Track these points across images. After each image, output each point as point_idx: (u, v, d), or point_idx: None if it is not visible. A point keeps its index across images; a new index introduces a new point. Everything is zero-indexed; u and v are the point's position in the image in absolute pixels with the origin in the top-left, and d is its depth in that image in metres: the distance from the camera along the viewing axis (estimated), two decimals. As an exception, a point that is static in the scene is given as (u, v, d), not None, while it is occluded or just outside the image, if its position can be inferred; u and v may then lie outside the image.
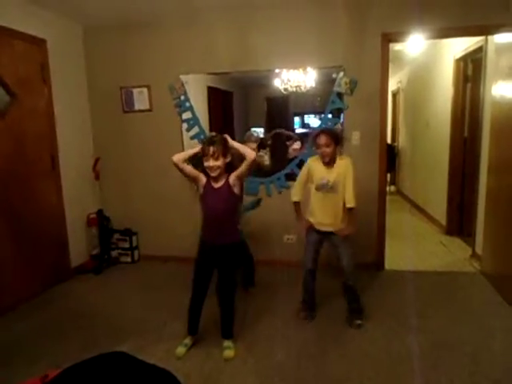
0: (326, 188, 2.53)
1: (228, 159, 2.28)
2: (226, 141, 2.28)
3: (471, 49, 3.84)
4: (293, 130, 6.19)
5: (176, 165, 2.27)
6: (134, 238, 4.01)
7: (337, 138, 2.49)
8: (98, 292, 3.35)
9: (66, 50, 3.64)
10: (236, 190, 2.29)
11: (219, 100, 4.95)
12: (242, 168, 2.26)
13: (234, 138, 5.15)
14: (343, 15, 3.38)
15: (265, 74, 4.39)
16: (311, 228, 2.64)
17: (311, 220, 2.63)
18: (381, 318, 2.68)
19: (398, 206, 6.22)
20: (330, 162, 2.53)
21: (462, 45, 4.05)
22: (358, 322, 2.59)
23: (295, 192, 2.66)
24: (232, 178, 2.28)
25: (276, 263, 3.63)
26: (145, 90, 3.82)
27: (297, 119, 6.26)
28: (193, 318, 2.47)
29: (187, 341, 2.46)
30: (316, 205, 2.60)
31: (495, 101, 3.14)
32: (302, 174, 2.65)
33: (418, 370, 2.15)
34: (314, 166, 2.60)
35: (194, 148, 2.36)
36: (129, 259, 3.99)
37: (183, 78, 3.75)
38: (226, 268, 2.38)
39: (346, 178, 2.50)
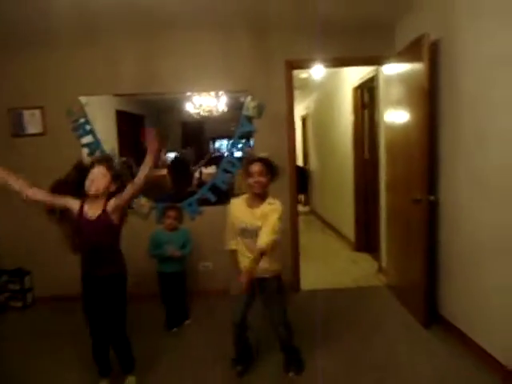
0: (246, 234, 2.16)
1: (114, 187, 2.06)
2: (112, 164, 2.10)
3: (366, 78, 4.21)
4: (210, 155, 6.17)
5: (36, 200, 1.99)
6: (27, 278, 3.51)
7: (272, 169, 2.14)
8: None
9: None
10: (115, 218, 2.05)
11: (130, 124, 4.72)
12: (125, 194, 2.01)
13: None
14: (249, 42, 3.47)
15: (177, 97, 4.31)
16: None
17: (242, 268, 2.19)
18: (298, 340, 2.63)
19: (311, 226, 6.45)
20: (256, 200, 2.15)
21: (358, 74, 4.42)
22: (291, 374, 2.33)
23: (228, 239, 2.28)
24: (111, 204, 2.03)
25: (193, 293, 3.43)
26: (37, 111, 3.45)
27: (217, 143, 6.28)
28: (99, 358, 2.20)
29: None
30: (243, 250, 2.21)
31: (387, 125, 3.44)
32: (229, 217, 2.27)
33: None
34: (236, 207, 2.22)
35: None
36: (20, 304, 3.46)
37: (83, 99, 3.47)
38: (110, 300, 2.12)
39: (267, 219, 2.07)
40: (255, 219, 2.11)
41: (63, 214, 2.13)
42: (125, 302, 2.18)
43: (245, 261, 2.15)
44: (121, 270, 2.17)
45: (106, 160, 2.10)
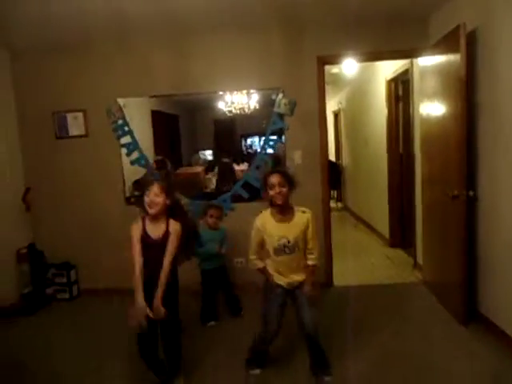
0: (287, 250, 2.15)
1: (169, 201, 2.14)
2: (169, 177, 2.18)
3: (399, 71, 4.12)
4: (241, 152, 6.26)
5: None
6: (73, 271, 3.72)
7: (290, 180, 2.15)
8: (28, 337, 3.03)
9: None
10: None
11: (164, 123, 4.87)
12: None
13: (181, 162, 5.13)
14: (280, 39, 3.49)
15: (210, 96, 4.41)
16: (275, 286, 2.24)
17: (279, 282, 2.22)
18: (332, 336, 2.65)
19: (345, 222, 6.38)
20: (284, 213, 2.17)
21: (391, 67, 4.32)
22: (328, 378, 2.25)
23: (254, 259, 2.25)
24: (173, 229, 2.13)
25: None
26: (80, 114, 3.65)
27: (248, 140, 6.38)
28: (151, 361, 2.19)
29: None
30: (279, 268, 2.21)
31: (423, 119, 3.35)
32: (254, 238, 2.22)
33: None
34: (266, 223, 2.17)
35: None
36: (67, 296, 3.68)
37: (121, 101, 3.63)
38: (166, 306, 2.12)
39: (309, 232, 2.18)
40: (293, 231, 2.14)
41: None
42: (177, 308, 2.22)
43: (285, 275, 2.20)
44: (175, 280, 2.21)
45: (158, 180, 2.22)
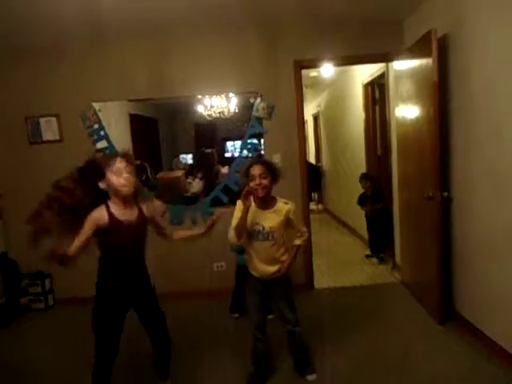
0: (260, 236, 2.09)
1: (137, 180, 1.90)
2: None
3: (376, 75, 4.18)
4: (223, 156, 6.23)
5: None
6: (47, 281, 3.62)
7: (274, 171, 2.06)
8: (2, 349, 2.92)
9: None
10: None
11: (143, 127, 4.80)
12: (159, 224, 2.06)
13: (161, 166, 5.06)
14: (257, 43, 3.50)
15: (189, 100, 4.37)
16: (250, 276, 2.21)
17: (252, 272, 2.19)
18: (313, 337, 2.63)
19: (325, 224, 6.43)
20: (265, 202, 2.10)
21: (368, 71, 4.39)
22: (311, 377, 2.27)
23: (232, 231, 2.12)
24: (148, 210, 1.95)
25: (209, 293, 3.48)
26: (53, 119, 3.56)
27: (229, 144, 6.33)
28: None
29: None
30: (253, 255, 2.15)
31: (398, 122, 3.41)
32: (235, 213, 2.13)
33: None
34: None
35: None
36: (42, 306, 3.57)
37: (97, 105, 3.56)
38: (149, 298, 2.04)
39: (292, 222, 2.14)
40: (270, 220, 2.08)
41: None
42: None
43: (257, 264, 2.15)
44: (147, 271, 2.09)
45: (124, 155, 1.87)
